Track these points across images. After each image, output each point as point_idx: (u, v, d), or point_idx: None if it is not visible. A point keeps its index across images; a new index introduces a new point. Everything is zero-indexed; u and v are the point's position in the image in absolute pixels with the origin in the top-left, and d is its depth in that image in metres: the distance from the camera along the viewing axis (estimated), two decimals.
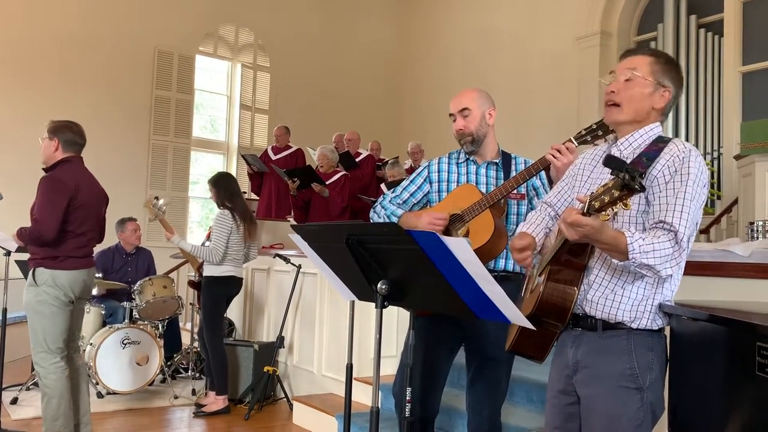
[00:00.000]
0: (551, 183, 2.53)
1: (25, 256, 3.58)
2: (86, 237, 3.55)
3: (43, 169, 3.57)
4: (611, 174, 1.46)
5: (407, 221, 2.65)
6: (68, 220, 3.43)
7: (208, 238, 4.81)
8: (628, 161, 1.78)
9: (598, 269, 1.80)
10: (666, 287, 1.79)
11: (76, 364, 3.63)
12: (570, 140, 2.37)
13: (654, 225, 1.70)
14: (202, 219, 10.53)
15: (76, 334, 3.72)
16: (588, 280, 1.81)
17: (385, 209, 2.75)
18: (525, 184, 2.56)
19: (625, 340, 1.77)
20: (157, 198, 4.96)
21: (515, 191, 2.56)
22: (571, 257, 1.79)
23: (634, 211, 1.76)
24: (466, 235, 2.51)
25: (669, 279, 1.78)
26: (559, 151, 2.35)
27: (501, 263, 2.62)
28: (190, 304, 6.18)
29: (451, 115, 2.69)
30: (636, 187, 1.41)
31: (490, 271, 1.72)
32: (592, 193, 1.51)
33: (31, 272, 3.44)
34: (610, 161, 1.47)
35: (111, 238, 5.98)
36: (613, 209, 1.47)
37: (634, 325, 1.76)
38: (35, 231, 3.36)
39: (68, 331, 3.52)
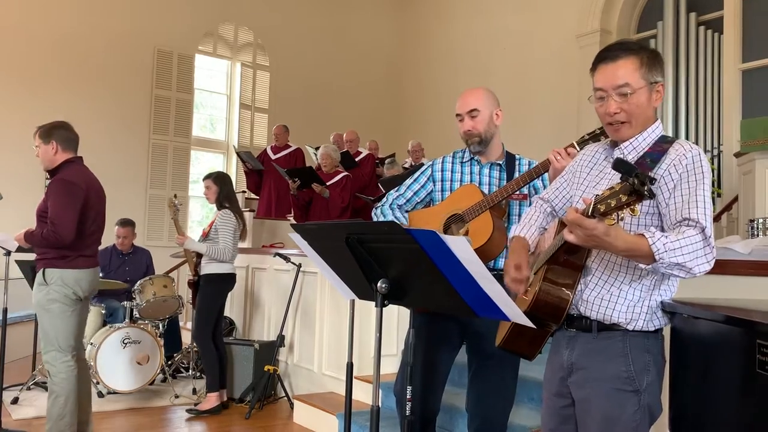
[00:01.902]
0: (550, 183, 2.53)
1: (26, 256, 3.58)
2: (94, 236, 3.59)
3: (48, 171, 3.55)
4: (621, 179, 1.39)
5: None
6: (81, 221, 3.44)
7: (205, 237, 4.82)
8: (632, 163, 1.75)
9: (595, 269, 1.77)
10: (663, 288, 1.76)
11: (83, 362, 3.66)
12: (573, 145, 2.36)
13: (678, 223, 1.64)
14: (202, 218, 10.51)
15: (82, 333, 3.73)
16: (585, 280, 1.78)
17: (386, 217, 2.72)
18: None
19: (620, 342, 1.74)
20: (175, 196, 5.00)
21: (517, 192, 2.55)
22: (570, 257, 1.76)
23: (642, 213, 1.71)
24: (466, 234, 2.51)
25: (666, 280, 1.75)
26: (560, 154, 2.36)
27: (500, 262, 2.61)
28: (189, 302, 6.18)
29: (458, 115, 2.62)
30: (645, 193, 1.35)
31: (490, 270, 1.71)
32: (597, 195, 1.45)
33: (41, 272, 3.44)
34: (619, 165, 1.39)
35: (109, 238, 5.98)
36: (619, 214, 1.41)
37: (629, 327, 1.73)
38: (53, 235, 3.33)
39: (77, 330, 3.54)
